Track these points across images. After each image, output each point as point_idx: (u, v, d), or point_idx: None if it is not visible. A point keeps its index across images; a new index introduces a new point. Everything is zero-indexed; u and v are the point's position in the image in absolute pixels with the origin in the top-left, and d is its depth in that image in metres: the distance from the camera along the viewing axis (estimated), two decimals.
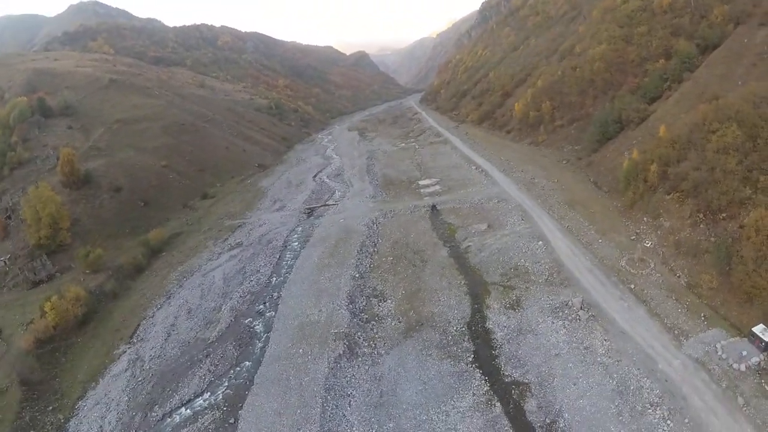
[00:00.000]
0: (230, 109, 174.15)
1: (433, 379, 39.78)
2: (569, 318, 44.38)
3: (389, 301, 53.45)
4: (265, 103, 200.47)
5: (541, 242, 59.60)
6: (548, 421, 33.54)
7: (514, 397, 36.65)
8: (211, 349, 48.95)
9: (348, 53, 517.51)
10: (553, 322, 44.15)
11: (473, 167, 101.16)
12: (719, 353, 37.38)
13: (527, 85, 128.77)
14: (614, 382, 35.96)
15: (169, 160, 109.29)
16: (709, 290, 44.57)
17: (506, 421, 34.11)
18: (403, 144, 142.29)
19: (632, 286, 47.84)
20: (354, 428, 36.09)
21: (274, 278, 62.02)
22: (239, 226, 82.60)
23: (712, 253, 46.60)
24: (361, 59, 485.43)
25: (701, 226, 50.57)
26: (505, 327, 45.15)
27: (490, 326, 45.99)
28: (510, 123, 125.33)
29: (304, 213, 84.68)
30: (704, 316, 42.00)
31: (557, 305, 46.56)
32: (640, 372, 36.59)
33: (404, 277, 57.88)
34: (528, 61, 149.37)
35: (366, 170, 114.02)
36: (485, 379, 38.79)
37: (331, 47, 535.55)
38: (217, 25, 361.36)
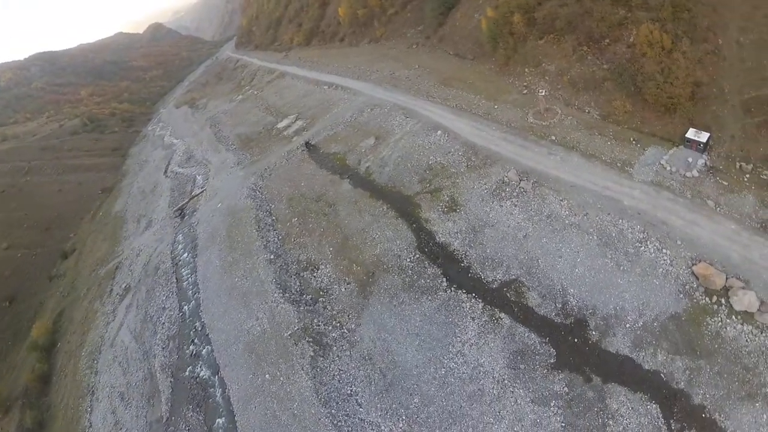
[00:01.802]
0: (44, 148, 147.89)
1: (423, 325, 35.03)
2: (515, 194, 41.63)
3: (323, 266, 46.20)
4: (77, 123, 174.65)
5: (439, 132, 55.47)
6: (560, 306, 30.77)
7: (513, 299, 33.37)
8: (172, 429, 38.93)
9: (142, 31, 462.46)
10: (501, 205, 41.11)
11: (326, 87, 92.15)
12: (668, 168, 37.73)
13: None
14: (595, 237, 34.32)
15: (7, 239, 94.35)
16: (625, 114, 44.74)
17: (522, 329, 30.78)
18: (240, 96, 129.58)
19: (553, 138, 46.36)
20: (382, 426, 30.58)
21: (186, 307, 52.07)
22: (117, 269, 69.57)
23: (612, 80, 46.92)
24: (156, 31, 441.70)
25: (588, 58, 50.26)
26: (458, 233, 41.16)
27: (443, 239, 41.63)
28: (340, 31, 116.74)
29: (176, 217, 73.78)
30: (633, 140, 42.15)
31: (495, 187, 43.47)
32: (612, 216, 35.30)
33: (322, 232, 50.59)
34: None
35: (216, 139, 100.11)
36: (474, 297, 34.90)
37: (122, 33, 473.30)
38: None
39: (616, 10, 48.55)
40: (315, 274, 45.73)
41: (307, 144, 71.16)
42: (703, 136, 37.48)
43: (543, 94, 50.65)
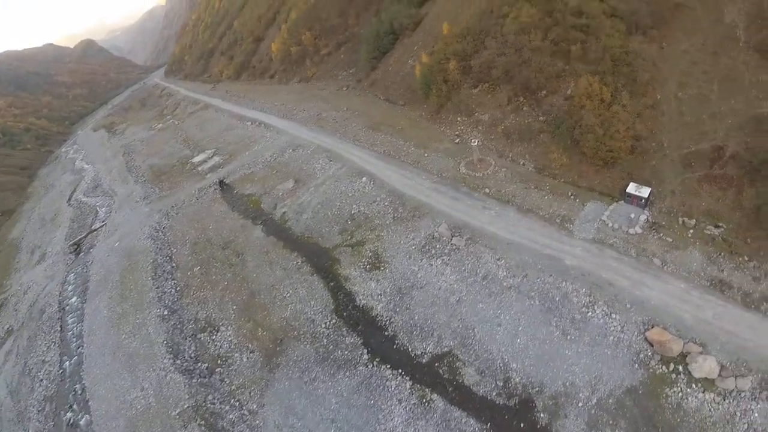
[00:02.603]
0: None
1: (340, 408, 29.27)
2: (446, 251, 37.47)
3: (224, 327, 39.88)
4: None
5: (365, 178, 51.30)
6: (502, 384, 26.21)
7: (447, 376, 28.30)
8: None
9: (73, 46, 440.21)
10: (431, 264, 36.71)
11: (248, 123, 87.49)
12: (610, 225, 35.65)
13: (279, 22, 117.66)
14: (537, 302, 30.64)
15: None
16: (562, 168, 42.84)
17: (459, 413, 25.82)
18: (160, 125, 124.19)
19: (487, 190, 43.31)
20: None
21: (67, 362, 44.75)
22: (1, 306, 61.98)
23: (548, 132, 45.49)
24: (88, 48, 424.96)
25: (524, 108, 48.94)
26: (381, 295, 36.15)
27: (365, 302, 36.42)
28: (271, 67, 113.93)
29: (71, 252, 66.67)
30: (572, 194, 40.00)
31: (424, 242, 39.25)
32: (554, 278, 31.88)
33: (226, 286, 44.38)
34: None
35: (126, 169, 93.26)
36: (401, 373, 29.51)
37: (51, 45, 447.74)
38: None
39: (554, 62, 47.71)
40: (214, 338, 39.13)
41: (221, 182, 65.87)
42: (645, 191, 36.10)
43: (476, 144, 48.28)
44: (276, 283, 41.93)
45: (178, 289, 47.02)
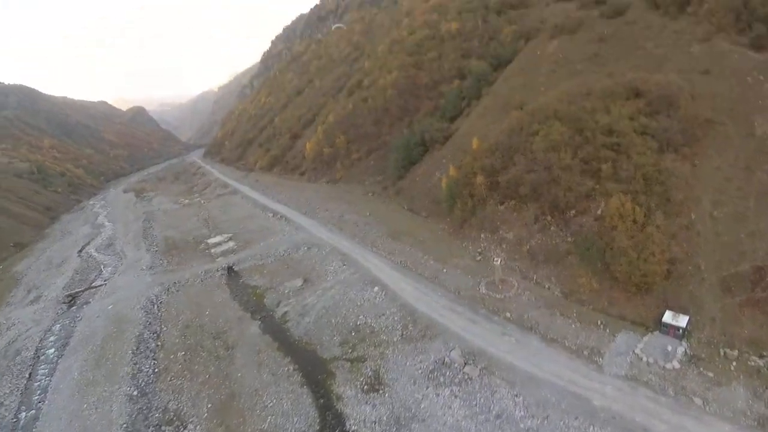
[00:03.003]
0: None
1: None
2: (457, 381, 32.96)
3: (192, 426, 35.32)
4: (26, 167, 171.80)
5: (377, 288, 48.31)
6: None
7: None
8: None
9: (125, 109, 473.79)
10: (438, 394, 32.08)
11: (270, 214, 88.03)
12: (644, 359, 31.78)
13: (317, 124, 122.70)
14: None
15: None
16: (591, 293, 39.36)
17: None
18: (187, 200, 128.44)
19: (508, 314, 39.45)
20: None
21: (24, 413, 41.96)
22: None
23: (577, 254, 42.43)
24: (138, 115, 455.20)
25: (552, 228, 46.43)
26: (376, 423, 31.30)
27: (355, 428, 31.49)
28: (303, 164, 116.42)
29: (65, 302, 65.29)
30: (601, 323, 36.20)
31: (433, 367, 34.91)
32: (580, 421, 27.07)
33: (207, 380, 40.25)
34: (314, 101, 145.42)
35: (142, 235, 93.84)
36: None
37: (105, 103, 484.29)
38: None
39: (584, 181, 45.95)
40: None
41: (229, 268, 64.38)
42: (682, 320, 32.59)
43: (499, 262, 45.37)
44: (261, 389, 37.49)
45: (156, 371, 43.12)
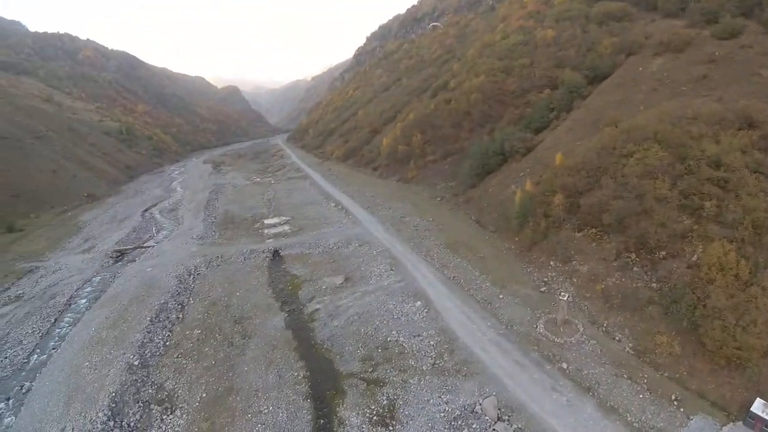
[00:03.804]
0: (72, 128, 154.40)
1: None
2: None
3: (179, 413, 31.81)
4: (115, 127, 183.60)
5: (419, 302, 42.70)
6: None
7: None
8: None
9: (220, 87, 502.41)
10: None
11: (332, 204, 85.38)
12: None
13: (397, 122, 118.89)
14: None
15: None
16: (670, 357, 31.51)
17: None
18: (258, 179, 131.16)
19: (564, 365, 32.33)
20: None
21: (36, 356, 41.71)
22: (30, 271, 62.01)
23: (660, 305, 34.61)
24: (232, 94, 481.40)
25: (635, 269, 38.44)
26: None
27: None
28: (377, 159, 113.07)
29: (112, 257, 66.26)
30: (675, 398, 28.47)
31: (458, 413, 28.75)
32: None
33: (212, 366, 36.77)
34: (399, 99, 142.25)
35: (205, 205, 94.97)
36: None
37: (202, 78, 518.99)
38: (83, 37, 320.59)
39: (681, 218, 37.83)
40: (164, 417, 31.53)
41: (275, 252, 61.79)
42: None
43: (566, 298, 38.17)
44: (261, 390, 33.24)
45: (167, 343, 40.65)
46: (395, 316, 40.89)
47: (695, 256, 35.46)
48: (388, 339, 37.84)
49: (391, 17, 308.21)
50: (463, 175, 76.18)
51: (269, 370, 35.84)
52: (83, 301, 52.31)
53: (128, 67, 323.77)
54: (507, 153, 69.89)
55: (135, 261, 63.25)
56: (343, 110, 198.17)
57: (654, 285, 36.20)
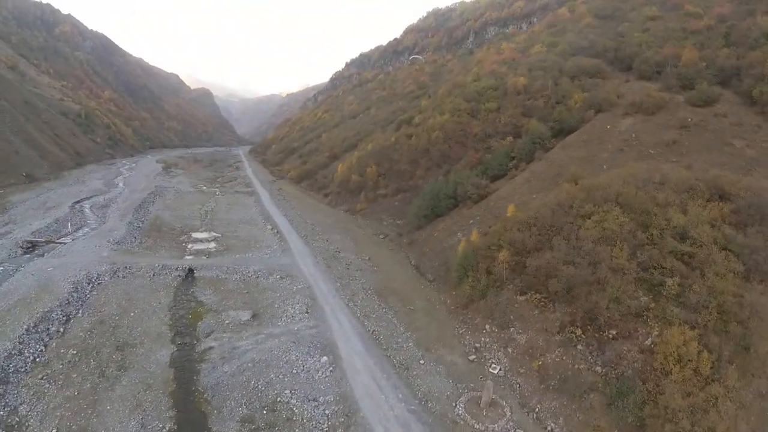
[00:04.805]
0: (28, 102, 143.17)
1: None
2: None
3: None
4: (75, 109, 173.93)
5: (326, 358, 35.65)
6: None
7: None
8: None
9: (193, 87, 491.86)
10: None
11: (269, 227, 78.36)
12: None
13: (357, 150, 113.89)
14: None
15: None
16: None
17: None
18: (205, 187, 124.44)
19: None
20: None
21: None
22: None
23: (603, 394, 29.06)
24: (203, 96, 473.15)
25: (578, 347, 32.88)
26: None
27: None
28: (329, 186, 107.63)
29: (23, 247, 59.08)
30: None
31: None
32: None
33: (74, 396, 30.31)
34: (364, 128, 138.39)
35: (137, 207, 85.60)
36: None
37: (177, 76, 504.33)
38: (65, 11, 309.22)
39: (638, 293, 32.78)
40: None
41: (190, 271, 54.60)
42: None
43: (497, 372, 32.40)
44: None
45: (36, 360, 33.89)
46: (294, 371, 33.70)
47: (649, 339, 30.33)
48: (279, 399, 30.60)
49: (372, 47, 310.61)
50: (410, 215, 70.64)
51: (133, 415, 28.78)
52: None
53: (103, 50, 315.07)
54: (459, 197, 64.96)
55: (43, 256, 55.28)
56: (309, 131, 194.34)
57: (599, 369, 30.64)
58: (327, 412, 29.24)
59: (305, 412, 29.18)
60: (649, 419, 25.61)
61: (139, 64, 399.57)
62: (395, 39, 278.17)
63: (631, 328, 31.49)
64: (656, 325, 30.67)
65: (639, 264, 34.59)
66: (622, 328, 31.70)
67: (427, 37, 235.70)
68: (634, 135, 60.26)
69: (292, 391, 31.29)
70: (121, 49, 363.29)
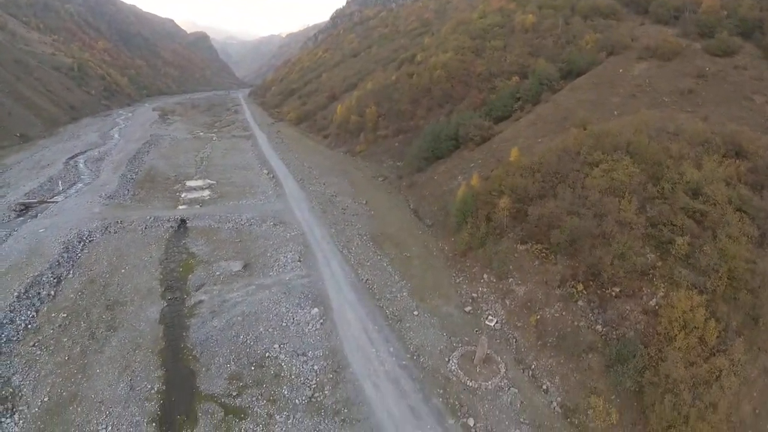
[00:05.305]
0: (19, 60, 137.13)
1: None
2: None
3: (17, 416, 25.60)
4: (67, 63, 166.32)
5: (317, 309, 34.56)
6: None
7: None
8: None
9: (189, 31, 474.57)
10: None
11: (265, 171, 76.20)
12: None
13: (357, 90, 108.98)
14: None
15: None
16: (603, 424, 24.99)
17: None
18: (202, 133, 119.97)
19: (471, 423, 24.99)
20: None
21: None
22: None
23: (602, 354, 27.88)
24: (200, 40, 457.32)
25: (579, 303, 31.33)
26: None
27: None
28: (328, 127, 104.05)
29: (16, 210, 57.02)
30: None
31: None
32: None
33: (65, 361, 29.85)
34: (365, 67, 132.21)
35: (132, 158, 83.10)
36: None
37: (172, 21, 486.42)
38: None
39: (644, 250, 30.89)
40: (1, 420, 25.28)
41: (182, 221, 53.11)
42: None
43: (493, 324, 31.17)
44: (106, 403, 26.27)
45: (28, 327, 32.94)
46: (284, 324, 32.68)
47: (654, 300, 28.77)
48: (267, 354, 29.73)
49: None
50: (411, 157, 67.68)
51: (122, 376, 28.31)
52: None
53: (94, 1, 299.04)
54: (461, 139, 61.89)
55: (36, 217, 53.55)
56: (309, 71, 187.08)
57: (599, 328, 29.26)
58: (316, 367, 28.34)
59: (293, 368, 28.33)
60: (648, 387, 24.53)
61: (132, 11, 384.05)
62: None
63: (636, 287, 29.85)
64: (662, 285, 29.00)
65: (648, 219, 32.57)
66: (626, 286, 30.05)
67: None
68: (647, 81, 56.65)
69: (281, 346, 30.35)
70: None
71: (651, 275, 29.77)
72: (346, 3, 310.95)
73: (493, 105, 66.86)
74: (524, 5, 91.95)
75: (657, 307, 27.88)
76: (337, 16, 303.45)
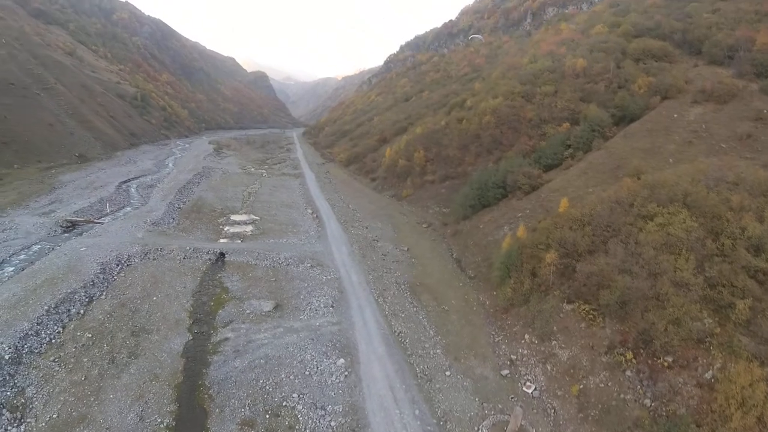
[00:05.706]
0: (85, 85, 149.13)
1: None
2: None
3: (24, 427, 25.78)
4: (131, 92, 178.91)
5: (343, 360, 33.10)
6: None
7: None
8: None
9: (249, 70, 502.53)
10: None
11: (309, 210, 77.09)
12: None
13: (406, 134, 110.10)
14: None
15: None
16: None
17: None
18: (253, 169, 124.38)
19: None
20: None
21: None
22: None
23: None
24: (260, 79, 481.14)
25: (627, 373, 28.33)
26: None
27: None
28: (376, 170, 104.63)
29: (63, 226, 59.97)
30: None
31: None
32: None
33: (81, 381, 29.94)
34: (416, 111, 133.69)
35: (182, 188, 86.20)
36: None
37: (233, 59, 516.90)
38: None
39: (702, 315, 27.62)
40: (9, 429, 25.56)
41: (221, 255, 53.54)
42: None
43: (531, 392, 28.56)
44: (113, 429, 26.13)
45: (52, 341, 33.43)
46: (307, 373, 31.40)
47: (710, 372, 25.51)
48: (284, 403, 28.46)
49: (428, 29, 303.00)
50: (456, 204, 66.45)
51: (134, 406, 27.89)
52: (10, 269, 45.65)
53: (160, 35, 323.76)
54: (509, 187, 60.14)
55: (81, 235, 56.15)
56: (361, 114, 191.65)
57: (648, 402, 26.19)
58: (333, 423, 26.73)
59: (309, 422, 26.86)
60: None
61: (196, 48, 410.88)
62: (450, 21, 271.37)
63: (691, 357, 26.70)
64: (720, 355, 25.83)
65: (706, 279, 29.44)
66: (680, 356, 26.94)
67: (483, 18, 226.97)
68: (703, 126, 53.95)
69: (300, 396, 29.01)
70: (177, 33, 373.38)
71: (708, 343, 26.59)
72: (400, 48, 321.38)
73: (543, 152, 64.99)
74: (574, 49, 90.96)
75: (713, 381, 24.66)
76: (391, 61, 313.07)
